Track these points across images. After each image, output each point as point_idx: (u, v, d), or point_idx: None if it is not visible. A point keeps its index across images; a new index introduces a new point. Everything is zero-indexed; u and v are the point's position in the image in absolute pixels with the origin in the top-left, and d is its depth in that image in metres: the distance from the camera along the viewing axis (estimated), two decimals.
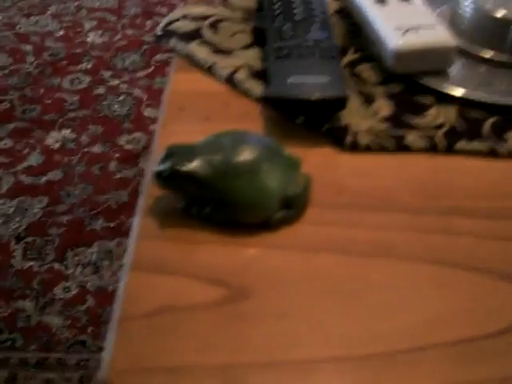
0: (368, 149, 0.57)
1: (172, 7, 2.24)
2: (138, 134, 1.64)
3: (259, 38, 0.70)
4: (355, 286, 0.44)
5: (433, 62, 0.64)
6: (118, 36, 2.06)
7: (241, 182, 0.46)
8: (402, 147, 0.57)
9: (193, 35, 0.70)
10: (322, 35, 0.63)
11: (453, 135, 0.58)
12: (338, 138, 0.57)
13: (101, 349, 1.12)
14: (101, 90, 1.80)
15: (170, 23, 0.73)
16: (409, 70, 0.64)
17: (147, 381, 0.37)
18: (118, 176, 1.51)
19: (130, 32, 2.09)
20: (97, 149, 1.59)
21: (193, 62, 0.67)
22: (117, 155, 1.57)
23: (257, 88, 0.62)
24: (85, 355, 1.11)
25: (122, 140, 1.62)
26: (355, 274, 0.45)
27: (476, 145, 0.58)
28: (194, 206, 0.48)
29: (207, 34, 0.70)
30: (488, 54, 0.67)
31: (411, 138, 0.58)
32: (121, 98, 1.78)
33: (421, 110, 0.61)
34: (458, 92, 0.62)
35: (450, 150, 0.57)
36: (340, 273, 0.45)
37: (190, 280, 0.44)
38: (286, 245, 0.47)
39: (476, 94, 0.62)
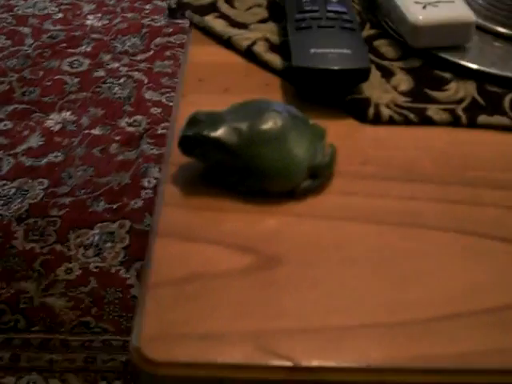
0: (390, 121, 0.56)
1: None
2: (138, 117, 1.63)
3: (275, 13, 0.69)
4: (386, 255, 0.43)
5: (452, 36, 0.63)
6: (118, 19, 2.04)
7: (268, 150, 0.46)
8: (424, 120, 0.57)
9: (208, 8, 0.69)
10: (341, 8, 0.62)
11: (473, 109, 0.58)
12: (361, 110, 0.56)
13: (105, 330, 1.12)
14: (101, 73, 1.78)
15: None
16: (428, 44, 0.63)
17: (178, 347, 0.37)
18: (120, 158, 1.50)
19: (129, 15, 2.07)
20: (97, 131, 1.57)
21: (209, 35, 0.66)
22: (118, 137, 1.56)
23: (277, 60, 0.62)
24: (89, 336, 1.10)
25: (123, 122, 1.61)
26: (385, 243, 0.44)
27: (498, 119, 0.57)
28: (219, 175, 0.48)
29: (223, 7, 0.69)
30: (504, 29, 0.66)
31: (433, 111, 0.57)
32: (121, 80, 1.76)
33: (440, 84, 0.61)
34: (477, 67, 0.62)
35: (472, 123, 0.57)
36: (369, 242, 0.44)
37: (218, 247, 0.43)
38: (313, 214, 0.46)
39: (495, 69, 0.62)
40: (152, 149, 1.53)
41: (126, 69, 1.81)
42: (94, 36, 1.94)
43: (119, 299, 1.18)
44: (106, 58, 1.85)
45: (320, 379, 0.36)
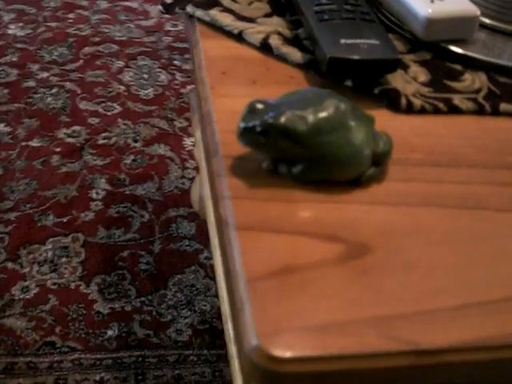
0: (421, 110, 0.57)
1: (93, 0, 2.17)
2: (77, 128, 1.57)
3: (277, 8, 0.68)
4: (464, 236, 0.43)
5: (458, 30, 0.65)
6: (42, 28, 1.96)
7: (335, 138, 0.45)
8: (452, 109, 0.57)
9: (210, 3, 0.67)
10: (355, 1, 0.62)
11: (492, 98, 0.59)
12: (393, 100, 0.57)
13: (73, 349, 1.06)
14: (30, 83, 1.70)
15: None
16: (436, 37, 0.65)
17: (300, 342, 0.35)
18: (63, 170, 1.43)
19: (53, 24, 1.99)
20: (36, 143, 1.50)
21: (215, 29, 0.64)
22: (58, 149, 1.49)
23: (296, 53, 0.61)
24: (56, 357, 1.04)
25: (62, 133, 1.54)
26: (459, 225, 0.44)
27: None
28: (283, 165, 0.46)
29: (225, 1, 0.68)
30: (499, 24, 0.69)
31: (458, 100, 0.58)
32: (53, 90, 1.69)
33: (455, 75, 0.62)
34: (487, 58, 0.64)
35: (495, 111, 0.58)
36: (444, 225, 0.44)
37: (303, 238, 0.41)
38: (382, 201, 0.46)
39: (503, 61, 0.64)
40: (95, 159, 1.48)
41: (56, 79, 1.74)
42: (19, 46, 1.85)
43: (83, 316, 1.12)
44: (34, 67, 1.77)
45: (446, 361, 0.35)
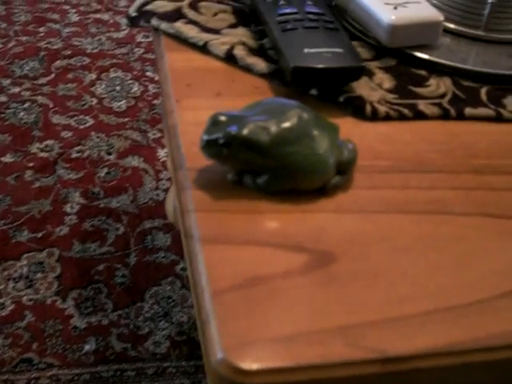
0: (386, 117, 0.57)
1: (64, 12, 2.16)
2: (50, 142, 1.56)
3: (242, 19, 0.68)
4: (429, 242, 0.44)
5: (423, 35, 0.65)
6: (12, 43, 1.95)
7: (299, 148, 0.45)
8: (417, 115, 0.58)
9: (174, 15, 0.67)
10: (319, 10, 0.62)
11: (457, 102, 0.60)
12: (358, 108, 0.57)
13: (51, 365, 1.05)
14: (2, 98, 1.69)
15: (145, 4, 0.69)
16: (401, 44, 0.65)
17: (266, 353, 0.35)
18: (37, 185, 1.42)
19: (23, 38, 1.98)
20: (8, 158, 1.49)
21: (181, 41, 0.64)
22: (31, 164, 1.48)
23: (260, 63, 0.61)
24: (34, 373, 1.03)
25: (34, 148, 1.53)
26: (424, 231, 0.45)
27: (483, 110, 0.59)
28: (248, 176, 0.46)
29: (189, 13, 0.68)
30: (462, 28, 0.69)
31: (423, 105, 0.59)
32: (25, 105, 1.68)
33: (420, 81, 0.63)
34: (452, 63, 0.64)
35: (460, 115, 0.59)
36: (410, 231, 0.44)
37: (268, 248, 0.41)
38: (348, 209, 0.46)
39: (467, 65, 0.64)
40: (69, 173, 1.47)
41: (28, 93, 1.73)
42: None
43: (60, 331, 1.11)
44: (6, 82, 1.76)
45: (413, 368, 0.35)
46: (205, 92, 0.57)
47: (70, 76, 1.83)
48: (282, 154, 0.44)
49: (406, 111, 0.58)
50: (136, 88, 1.79)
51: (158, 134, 1.61)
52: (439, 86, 0.62)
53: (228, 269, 0.39)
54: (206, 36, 0.64)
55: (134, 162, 1.52)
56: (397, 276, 0.40)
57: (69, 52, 1.94)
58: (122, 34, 2.04)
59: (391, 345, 0.36)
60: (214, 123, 0.45)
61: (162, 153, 1.55)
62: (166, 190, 1.43)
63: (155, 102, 1.73)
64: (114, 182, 1.45)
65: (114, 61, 1.91)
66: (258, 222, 0.43)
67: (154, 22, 0.67)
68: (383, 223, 0.45)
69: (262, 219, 0.44)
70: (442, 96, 0.61)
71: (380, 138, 0.54)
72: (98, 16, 2.14)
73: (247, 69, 0.61)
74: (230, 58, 0.62)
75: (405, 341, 0.36)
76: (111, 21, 2.12)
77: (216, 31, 0.66)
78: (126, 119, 1.66)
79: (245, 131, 0.44)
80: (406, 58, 0.65)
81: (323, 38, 0.58)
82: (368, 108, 0.57)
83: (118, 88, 1.78)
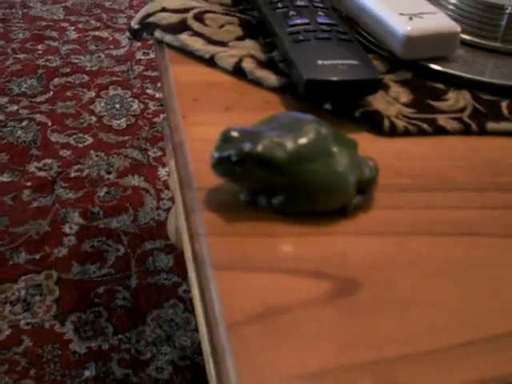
0: (405, 133, 0.54)
1: (63, 30, 2.14)
2: (48, 161, 1.53)
3: (249, 31, 0.65)
4: (459, 266, 0.40)
5: (439, 47, 0.63)
6: (10, 60, 1.93)
7: (318, 165, 0.41)
8: (437, 130, 0.55)
9: (179, 27, 0.64)
10: (331, 20, 0.60)
11: (478, 117, 0.57)
12: (376, 123, 0.54)
13: None
14: (0, 117, 1.66)
15: (147, 16, 0.67)
16: (416, 55, 0.62)
17: None
18: (35, 205, 1.39)
19: (21, 56, 1.96)
20: (5, 178, 1.45)
21: (186, 54, 0.61)
22: (29, 183, 1.45)
23: (270, 76, 0.58)
24: None
25: (32, 167, 1.50)
26: (453, 254, 0.41)
27: (506, 125, 0.56)
28: (262, 196, 0.43)
29: (195, 25, 0.65)
30: (482, 40, 0.67)
31: (443, 120, 0.56)
32: (23, 123, 1.65)
33: (438, 94, 0.60)
34: (472, 76, 0.61)
35: (482, 130, 0.56)
36: (438, 254, 0.41)
37: (285, 275, 0.38)
38: (370, 231, 0.42)
39: (486, 78, 0.62)
40: (68, 193, 1.43)
41: (26, 111, 1.70)
42: None
43: (59, 356, 1.07)
44: (3, 100, 1.73)
45: None
46: (212, 107, 0.54)
47: (68, 94, 1.81)
48: (300, 172, 0.41)
49: (425, 126, 0.55)
50: (136, 106, 1.76)
51: (159, 153, 1.58)
52: (458, 99, 0.59)
53: (243, 298, 0.36)
54: (212, 48, 0.61)
55: (135, 181, 1.48)
56: (427, 304, 0.37)
57: (67, 69, 1.92)
58: (121, 52, 2.02)
59: (426, 381, 0.33)
60: (226, 139, 0.42)
61: (162, 172, 1.51)
62: (168, 210, 1.40)
63: (156, 119, 1.70)
64: (114, 202, 1.42)
65: (114, 78, 1.88)
66: (273, 246, 0.40)
67: (158, 34, 0.64)
68: (409, 246, 0.41)
69: (279, 243, 0.40)
70: (462, 110, 0.58)
71: (399, 155, 0.51)
72: (97, 33, 2.12)
73: (257, 82, 0.58)
74: (238, 72, 0.59)
75: (441, 377, 0.33)
76: (110, 38, 2.10)
77: (223, 43, 0.63)
78: (126, 137, 1.63)
79: (259, 148, 0.41)
80: (422, 71, 0.62)
81: (337, 50, 0.55)
82: (386, 123, 0.54)
83: (117, 106, 1.75)
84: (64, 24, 2.18)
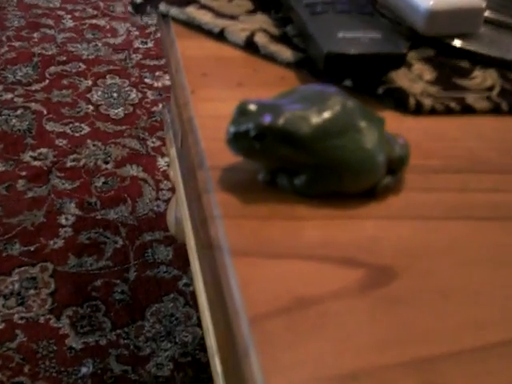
0: (432, 111, 0.50)
1: (58, 18, 2.09)
2: (43, 150, 1.48)
3: (261, 4, 0.61)
4: (499, 253, 0.36)
5: (463, 23, 0.59)
6: (5, 48, 1.88)
7: (345, 142, 0.37)
8: (465, 109, 0.51)
9: (186, 0, 0.60)
10: None
11: (507, 96, 0.53)
12: (400, 101, 0.50)
13: None
14: None
15: None
16: (439, 32, 0.58)
17: None
18: (30, 195, 1.34)
19: (17, 44, 1.91)
20: (0, 167, 1.41)
21: (193, 28, 0.57)
22: (24, 173, 1.40)
23: (285, 51, 0.54)
24: None
25: (27, 156, 1.45)
26: (492, 240, 0.37)
27: None
28: (283, 175, 0.39)
29: None
30: (506, 18, 0.63)
31: (472, 99, 0.52)
32: (18, 112, 1.60)
33: (464, 72, 0.56)
34: (500, 55, 0.57)
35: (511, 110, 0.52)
36: (477, 239, 0.37)
37: (312, 262, 0.34)
38: (403, 215, 0.38)
39: None
40: (64, 183, 1.39)
41: (21, 100, 1.65)
42: None
43: (54, 352, 1.03)
44: None
45: None
46: (223, 82, 0.50)
47: (64, 82, 1.76)
48: (325, 149, 0.37)
49: (453, 105, 0.51)
50: (134, 95, 1.71)
51: (158, 143, 1.53)
52: (486, 78, 0.55)
53: (266, 288, 0.32)
54: (222, 22, 0.57)
55: (133, 171, 1.44)
56: (469, 296, 0.33)
57: (64, 58, 1.87)
58: (118, 40, 1.97)
59: (477, 381, 0.29)
60: (243, 113, 0.38)
61: (162, 162, 1.47)
62: (167, 201, 1.35)
63: (154, 109, 1.66)
64: (112, 193, 1.38)
65: (111, 67, 1.83)
66: (297, 231, 0.36)
67: (163, 7, 0.60)
68: (444, 232, 0.37)
69: (303, 227, 0.36)
70: (490, 89, 0.54)
71: (427, 134, 0.47)
72: (93, 22, 2.07)
73: (271, 58, 0.54)
74: (250, 46, 0.55)
75: (492, 376, 0.29)
76: (108, 26, 2.05)
77: (233, 17, 0.59)
78: (124, 127, 1.58)
79: (281, 121, 0.37)
80: (445, 48, 0.58)
81: (358, 22, 0.51)
82: (412, 101, 0.50)
83: (115, 95, 1.71)
84: (60, 12, 2.13)
